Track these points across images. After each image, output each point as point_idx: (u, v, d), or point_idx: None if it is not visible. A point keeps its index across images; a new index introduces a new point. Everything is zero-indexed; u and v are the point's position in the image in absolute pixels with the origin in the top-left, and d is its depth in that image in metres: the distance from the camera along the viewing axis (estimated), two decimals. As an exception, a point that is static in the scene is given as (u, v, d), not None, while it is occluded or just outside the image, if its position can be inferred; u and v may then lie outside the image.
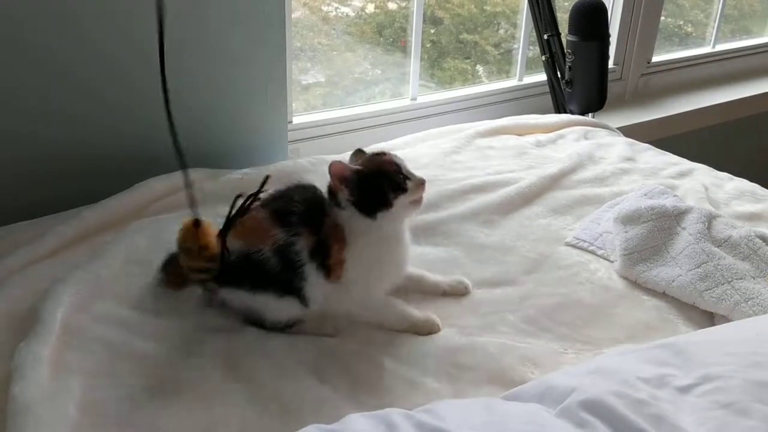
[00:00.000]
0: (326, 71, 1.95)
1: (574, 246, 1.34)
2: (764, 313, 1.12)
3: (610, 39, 1.97)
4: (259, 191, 1.03)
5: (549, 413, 0.80)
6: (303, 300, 1.05)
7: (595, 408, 0.77)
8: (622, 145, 1.79)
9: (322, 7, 1.91)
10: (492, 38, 2.21)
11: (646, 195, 1.40)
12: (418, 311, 1.11)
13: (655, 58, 2.44)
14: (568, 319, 1.14)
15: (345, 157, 1.14)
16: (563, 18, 2.00)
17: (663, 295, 1.20)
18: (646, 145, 1.83)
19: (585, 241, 1.34)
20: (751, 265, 1.21)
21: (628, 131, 2.01)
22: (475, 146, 1.72)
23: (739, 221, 1.39)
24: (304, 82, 1.89)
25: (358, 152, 1.12)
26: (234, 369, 1.00)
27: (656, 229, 1.28)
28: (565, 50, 1.94)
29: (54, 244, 1.23)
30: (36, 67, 1.32)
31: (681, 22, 2.72)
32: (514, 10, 2.21)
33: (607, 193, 1.51)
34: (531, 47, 2.14)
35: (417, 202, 1.06)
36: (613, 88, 2.19)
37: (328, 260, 1.03)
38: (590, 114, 2.04)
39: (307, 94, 1.91)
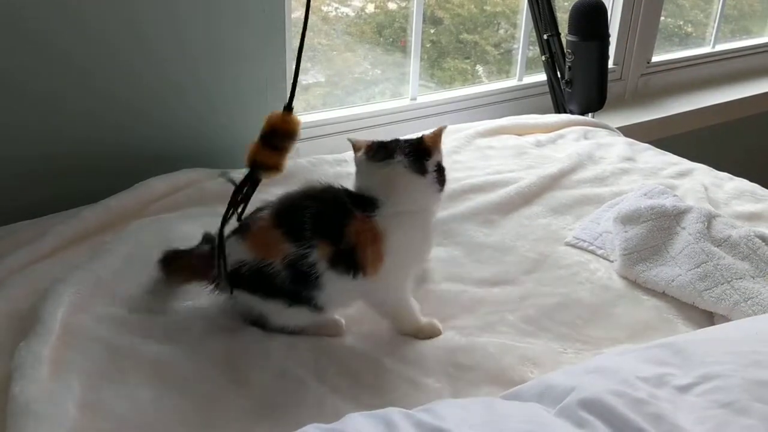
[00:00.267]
0: (326, 71, 1.95)
1: (573, 246, 1.34)
2: (764, 313, 1.12)
3: (610, 39, 1.97)
4: (247, 195, 1.03)
5: (548, 412, 0.80)
6: (316, 308, 1.03)
7: (595, 407, 0.77)
8: (621, 145, 1.79)
9: (322, 7, 1.91)
10: (492, 38, 2.21)
11: (645, 195, 1.40)
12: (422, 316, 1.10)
13: (655, 58, 2.44)
14: (568, 318, 1.14)
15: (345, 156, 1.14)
16: (563, 18, 2.00)
17: (662, 295, 1.20)
18: (646, 145, 1.83)
19: (585, 241, 1.34)
20: (750, 265, 1.21)
21: (627, 131, 2.01)
22: (474, 146, 1.72)
23: (738, 221, 1.39)
24: (304, 82, 1.89)
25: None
26: (234, 368, 1.00)
27: (656, 229, 1.28)
28: (565, 50, 1.94)
29: (54, 243, 1.23)
30: (37, 66, 1.33)
31: (681, 22, 2.72)
32: (514, 10, 2.21)
33: (607, 192, 1.52)
34: (531, 47, 2.14)
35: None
36: (612, 88, 2.19)
37: (359, 262, 1.00)
38: (590, 114, 2.04)
39: (307, 94, 1.91)
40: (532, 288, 1.21)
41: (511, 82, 2.17)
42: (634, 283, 1.23)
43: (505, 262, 1.27)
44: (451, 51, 2.15)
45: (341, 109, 1.88)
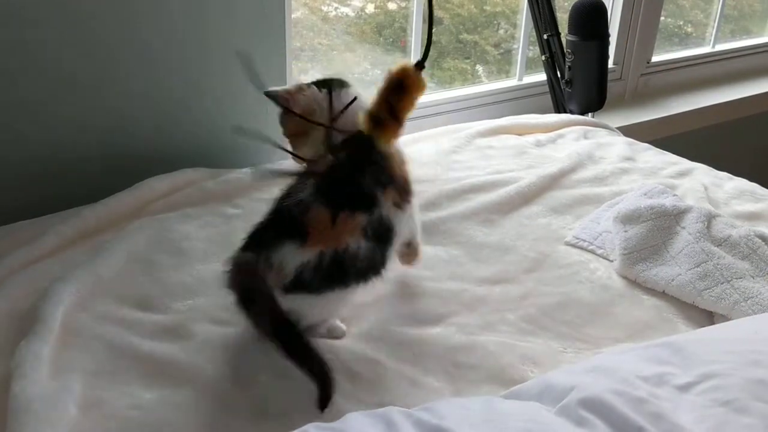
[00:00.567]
0: (326, 71, 1.95)
1: (573, 245, 1.34)
2: (763, 312, 1.12)
3: (610, 39, 1.97)
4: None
5: (548, 411, 0.80)
6: (384, 270, 1.01)
7: (595, 406, 0.77)
8: (621, 144, 1.79)
9: (322, 7, 1.91)
10: (492, 38, 2.21)
11: (645, 194, 1.40)
12: None
13: (655, 58, 2.44)
14: (568, 318, 1.14)
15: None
16: (563, 18, 2.00)
17: (662, 294, 1.20)
18: (646, 144, 1.83)
19: (585, 241, 1.34)
20: (750, 265, 1.21)
21: (627, 131, 2.01)
22: (474, 146, 1.72)
23: (738, 221, 1.39)
24: (304, 82, 1.89)
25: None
26: (235, 368, 1.00)
27: (656, 229, 1.28)
28: (565, 50, 1.94)
29: (54, 243, 1.23)
30: (37, 67, 1.33)
31: (681, 22, 2.73)
32: (513, 10, 2.21)
33: (607, 192, 1.52)
34: (531, 47, 2.14)
35: None
36: (612, 88, 2.19)
37: (404, 188, 1.01)
38: (590, 114, 2.04)
39: (307, 94, 1.91)
40: (533, 287, 1.21)
41: (511, 82, 2.17)
42: (634, 283, 1.23)
43: (505, 261, 1.27)
44: (450, 51, 2.15)
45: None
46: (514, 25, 2.22)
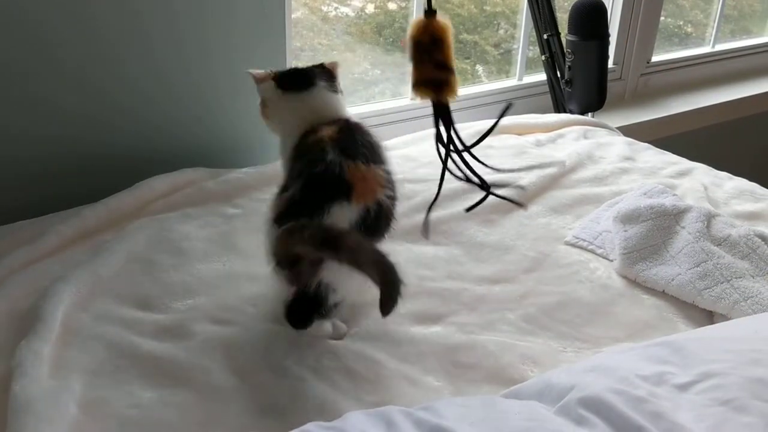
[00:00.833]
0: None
1: (573, 245, 1.34)
2: (763, 312, 1.12)
3: (610, 39, 1.97)
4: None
5: (548, 411, 0.80)
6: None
7: (594, 405, 0.77)
8: (621, 144, 1.79)
9: (322, 7, 1.91)
10: (492, 38, 2.22)
11: (645, 194, 1.40)
12: None
13: (655, 58, 2.44)
14: (568, 317, 1.14)
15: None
16: (563, 18, 2.01)
17: (662, 294, 1.21)
18: (646, 144, 1.83)
19: (584, 240, 1.34)
20: (750, 264, 1.21)
21: (627, 131, 2.01)
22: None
23: (738, 220, 1.39)
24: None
25: None
26: (234, 367, 1.00)
27: (655, 228, 1.28)
28: (565, 50, 1.95)
29: (54, 242, 1.23)
30: (37, 67, 1.33)
31: (681, 22, 2.73)
32: (513, 10, 2.21)
33: (607, 192, 1.52)
34: (531, 47, 2.14)
35: None
36: (612, 88, 2.19)
37: None
38: (590, 113, 2.04)
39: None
40: (532, 287, 1.21)
41: (511, 82, 2.17)
42: (634, 282, 1.24)
43: (505, 261, 1.28)
44: (450, 51, 2.14)
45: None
46: (514, 25, 2.22)
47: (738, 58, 2.67)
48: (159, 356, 1.00)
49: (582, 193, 1.52)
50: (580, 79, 1.95)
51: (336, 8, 1.95)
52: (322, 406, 0.94)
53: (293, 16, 1.68)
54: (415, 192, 1.44)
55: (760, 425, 0.72)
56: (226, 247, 1.27)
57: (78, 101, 1.39)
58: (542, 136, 1.82)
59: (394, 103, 1.94)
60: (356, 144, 1.01)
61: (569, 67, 1.94)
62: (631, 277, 1.24)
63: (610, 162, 1.67)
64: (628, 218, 1.30)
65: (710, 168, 1.70)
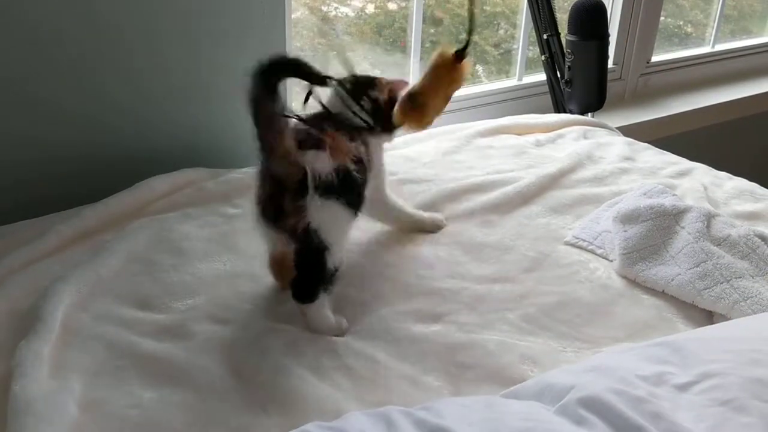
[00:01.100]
0: (326, 71, 1.94)
1: (573, 245, 1.34)
2: (763, 312, 1.12)
3: (610, 39, 1.97)
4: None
5: (548, 411, 0.80)
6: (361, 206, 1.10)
7: (594, 405, 0.77)
8: (621, 144, 1.79)
9: (322, 7, 1.91)
10: (492, 38, 2.22)
11: (645, 194, 1.40)
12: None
13: (655, 58, 2.44)
14: (568, 317, 1.14)
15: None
16: (563, 18, 2.01)
17: (662, 294, 1.20)
18: (646, 144, 1.83)
19: (584, 240, 1.34)
20: (750, 264, 1.21)
21: (627, 131, 2.01)
22: (474, 146, 1.72)
23: (738, 220, 1.39)
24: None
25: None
26: (234, 367, 1.00)
27: (655, 228, 1.28)
28: (565, 50, 1.95)
29: (55, 242, 1.24)
30: (38, 68, 1.33)
31: (681, 22, 2.73)
32: (513, 10, 2.21)
33: (607, 192, 1.52)
34: (530, 47, 2.14)
35: None
36: (612, 88, 2.19)
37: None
38: (590, 113, 2.04)
39: (306, 94, 1.91)
40: (532, 287, 1.21)
41: (511, 82, 2.17)
42: (634, 282, 1.24)
43: (504, 260, 1.28)
44: (450, 51, 2.14)
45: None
46: (514, 25, 2.22)
47: (738, 58, 2.67)
48: (159, 356, 1.00)
49: (582, 193, 1.52)
50: (580, 79, 1.95)
51: (336, 8, 1.95)
52: (322, 406, 0.94)
53: (293, 16, 1.68)
54: (415, 192, 1.44)
55: (760, 425, 0.72)
56: (226, 247, 1.27)
57: (77, 103, 1.39)
58: (542, 136, 1.82)
59: (394, 103, 1.94)
60: (335, 117, 1.09)
61: (569, 67, 1.95)
62: (630, 277, 1.24)
63: (610, 162, 1.67)
64: (628, 218, 1.30)
65: (710, 168, 1.70)
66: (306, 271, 1.06)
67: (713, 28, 2.63)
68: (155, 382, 0.96)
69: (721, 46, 2.65)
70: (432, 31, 2.09)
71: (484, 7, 2.19)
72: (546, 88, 2.07)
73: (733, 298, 1.15)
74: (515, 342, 1.08)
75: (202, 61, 1.49)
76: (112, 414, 0.92)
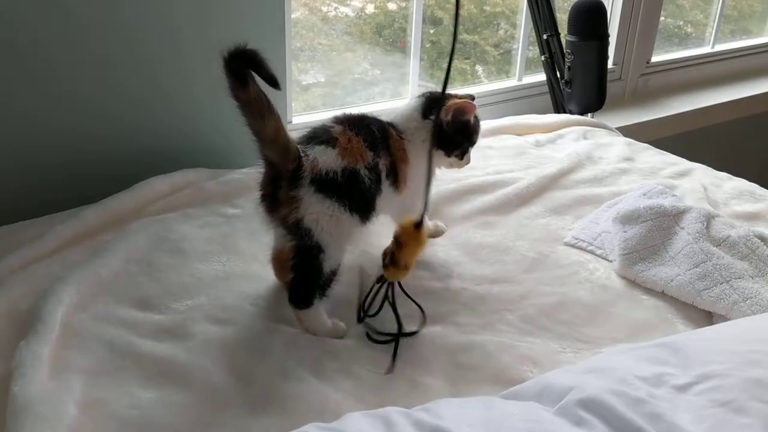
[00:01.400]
0: (326, 71, 1.95)
1: (573, 246, 1.34)
2: (762, 312, 1.12)
3: (610, 39, 1.97)
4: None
5: (547, 412, 0.80)
6: (373, 214, 1.11)
7: (593, 406, 0.77)
8: (621, 145, 1.79)
9: (322, 7, 1.91)
10: (491, 38, 2.21)
11: (644, 195, 1.40)
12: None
13: (655, 58, 2.44)
14: (567, 318, 1.14)
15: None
16: (562, 18, 2.01)
17: (662, 295, 1.21)
18: (645, 144, 1.84)
19: (584, 241, 1.34)
20: (749, 265, 1.21)
21: (627, 131, 2.01)
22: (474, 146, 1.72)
23: (737, 221, 1.39)
24: (303, 82, 1.89)
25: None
26: (234, 367, 1.00)
27: (655, 229, 1.28)
28: (565, 50, 1.95)
29: (54, 243, 1.24)
30: (38, 69, 1.33)
31: (681, 23, 2.73)
32: (513, 10, 2.21)
33: (606, 192, 1.52)
34: (530, 47, 2.14)
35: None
36: (612, 88, 2.19)
37: (397, 177, 1.13)
38: (589, 114, 2.04)
39: (306, 95, 1.91)
40: (532, 287, 1.21)
41: (511, 82, 2.17)
42: (633, 283, 1.24)
43: (504, 261, 1.28)
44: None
45: (341, 110, 1.87)
46: (514, 26, 2.22)
47: (738, 58, 2.67)
48: (159, 356, 1.01)
49: (581, 193, 1.52)
50: (580, 79, 1.95)
51: (336, 8, 1.95)
52: (322, 406, 0.94)
53: (293, 16, 1.68)
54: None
55: (759, 426, 0.72)
56: (225, 248, 1.27)
57: (78, 103, 1.39)
58: (542, 137, 1.82)
59: (394, 103, 1.94)
60: (359, 122, 1.11)
61: (569, 67, 1.94)
62: (630, 277, 1.24)
63: (610, 162, 1.67)
64: (628, 219, 1.30)
65: (709, 168, 1.70)
66: (301, 274, 1.05)
67: (713, 28, 2.63)
68: (155, 383, 0.97)
69: (720, 47, 2.65)
70: (432, 31, 2.09)
71: (484, 7, 2.19)
72: (546, 89, 2.07)
73: (732, 298, 1.15)
74: (515, 343, 1.08)
75: (202, 61, 1.49)
76: (111, 414, 0.92)
